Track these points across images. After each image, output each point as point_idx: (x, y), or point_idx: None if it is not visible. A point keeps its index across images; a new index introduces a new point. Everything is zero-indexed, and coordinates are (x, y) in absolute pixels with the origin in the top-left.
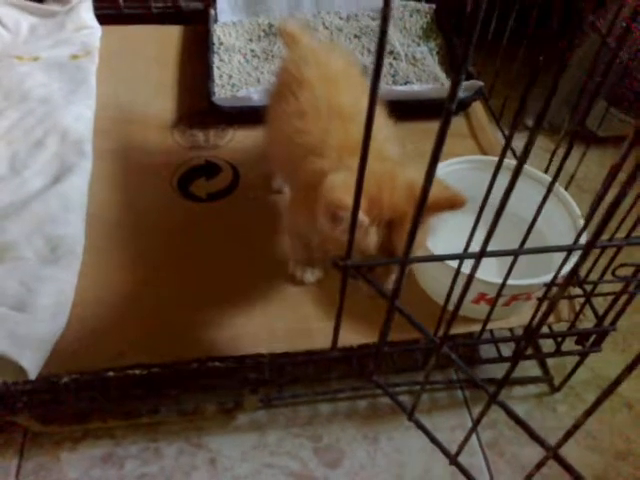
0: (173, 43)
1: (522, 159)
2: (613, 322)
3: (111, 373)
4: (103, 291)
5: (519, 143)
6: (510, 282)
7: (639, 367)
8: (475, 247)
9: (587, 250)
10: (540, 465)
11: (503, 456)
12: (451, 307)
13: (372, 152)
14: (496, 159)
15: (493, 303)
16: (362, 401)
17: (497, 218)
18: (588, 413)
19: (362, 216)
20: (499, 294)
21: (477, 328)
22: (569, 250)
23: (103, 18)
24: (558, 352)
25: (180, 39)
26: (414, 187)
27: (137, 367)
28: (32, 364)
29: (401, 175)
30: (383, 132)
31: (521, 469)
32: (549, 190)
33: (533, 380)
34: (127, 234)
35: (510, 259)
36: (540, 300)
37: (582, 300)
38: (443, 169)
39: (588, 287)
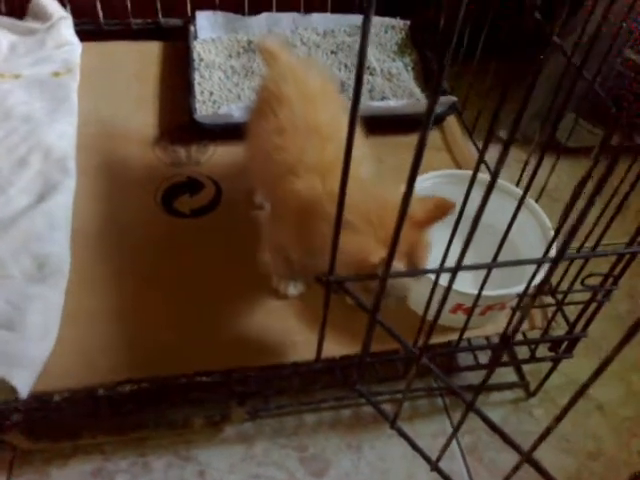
0: (153, 59)
1: (494, 176)
2: (584, 329)
3: (102, 391)
4: (90, 308)
5: (494, 154)
6: (485, 293)
7: (609, 370)
8: (452, 258)
9: (555, 263)
10: (515, 469)
11: (482, 461)
12: (430, 317)
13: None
14: (467, 173)
15: (469, 313)
16: (346, 410)
17: (471, 233)
18: (558, 418)
19: (398, 264)
20: (474, 305)
21: (455, 337)
22: (539, 263)
23: (82, 34)
24: (532, 359)
25: (160, 55)
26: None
27: (127, 383)
28: (23, 383)
29: (391, 203)
30: (360, 150)
31: (499, 473)
32: (520, 203)
33: (510, 386)
34: (112, 250)
35: (485, 270)
36: (514, 309)
37: (554, 308)
38: (420, 183)
39: (560, 296)
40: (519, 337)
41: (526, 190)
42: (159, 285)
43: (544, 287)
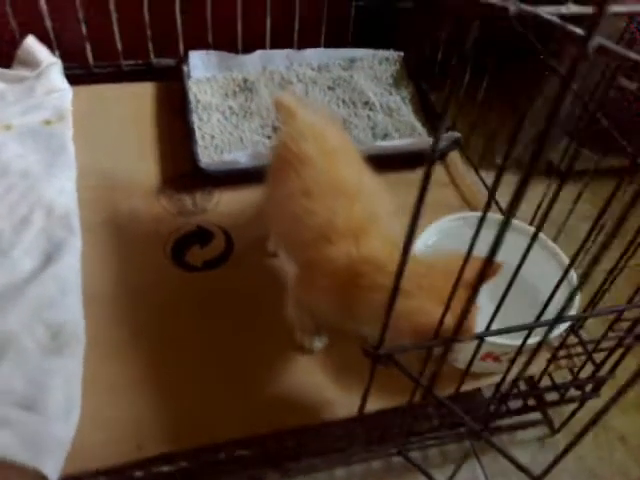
0: (147, 101)
1: (507, 216)
2: (611, 370)
3: (139, 473)
4: (108, 376)
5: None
6: (507, 342)
7: (629, 402)
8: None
9: (582, 320)
10: None
11: None
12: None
13: (381, 234)
14: (491, 215)
15: (498, 360)
16: (376, 462)
17: (506, 292)
18: (572, 443)
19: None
20: (518, 352)
21: (485, 383)
22: (572, 320)
23: (72, 78)
24: (561, 401)
25: (154, 96)
26: (455, 270)
27: (163, 462)
28: (53, 469)
29: (438, 266)
30: (387, 208)
31: None
32: (532, 241)
33: (533, 424)
34: (126, 313)
35: (510, 318)
36: (549, 359)
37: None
38: (440, 226)
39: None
40: (547, 380)
41: (539, 227)
42: (178, 347)
43: (566, 341)
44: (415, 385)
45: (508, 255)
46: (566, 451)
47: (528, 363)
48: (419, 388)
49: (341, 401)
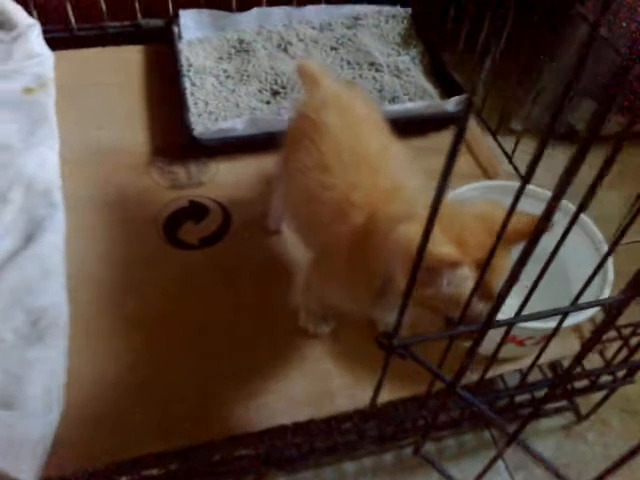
0: (135, 66)
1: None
2: None
3: (124, 478)
4: (96, 367)
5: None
6: (543, 326)
7: None
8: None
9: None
10: None
11: None
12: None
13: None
14: (509, 183)
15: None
16: (387, 455)
17: (541, 274)
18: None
19: (467, 271)
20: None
21: (508, 368)
22: (607, 304)
23: (53, 42)
24: (593, 388)
25: (142, 61)
26: (489, 220)
27: (153, 464)
28: (29, 474)
29: (471, 211)
30: (414, 181)
31: None
32: (572, 222)
33: (558, 410)
34: (115, 296)
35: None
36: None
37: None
38: (459, 196)
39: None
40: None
41: (581, 207)
42: (172, 334)
43: (608, 328)
44: (434, 378)
45: None
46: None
47: (543, 348)
48: (439, 382)
49: (350, 391)
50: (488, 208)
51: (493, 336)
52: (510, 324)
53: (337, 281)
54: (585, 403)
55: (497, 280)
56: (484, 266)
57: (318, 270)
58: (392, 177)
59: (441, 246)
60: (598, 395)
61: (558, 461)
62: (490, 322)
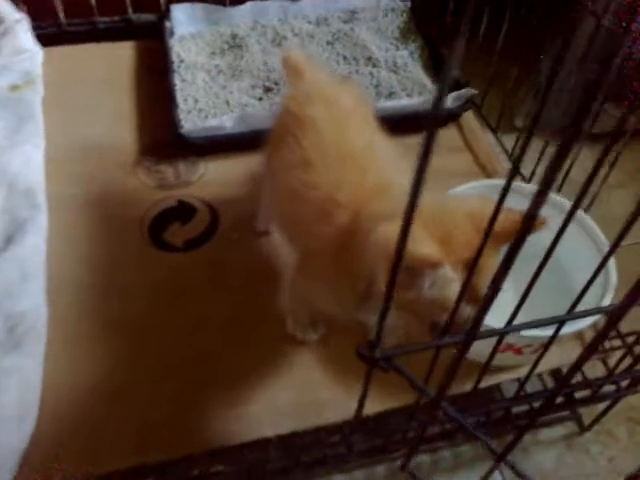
0: (126, 62)
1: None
2: None
3: None
4: (75, 375)
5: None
6: (542, 333)
7: None
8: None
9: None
10: None
11: None
12: (471, 355)
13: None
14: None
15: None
16: (379, 467)
17: (536, 276)
18: None
19: (450, 272)
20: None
21: (505, 377)
22: (601, 312)
23: (42, 38)
24: (594, 398)
25: (133, 57)
26: (477, 217)
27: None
28: None
29: (460, 208)
30: (404, 179)
31: None
32: (568, 218)
33: (560, 420)
34: (96, 300)
35: (535, 308)
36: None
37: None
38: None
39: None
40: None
41: (578, 200)
42: (155, 340)
43: (607, 334)
44: (434, 407)
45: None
46: None
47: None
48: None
49: (339, 402)
50: (478, 205)
51: (487, 343)
52: (502, 334)
53: (321, 283)
54: (589, 412)
55: (485, 282)
56: (471, 267)
57: (302, 272)
58: (379, 174)
59: (421, 246)
60: (603, 404)
61: (558, 474)
62: (474, 333)
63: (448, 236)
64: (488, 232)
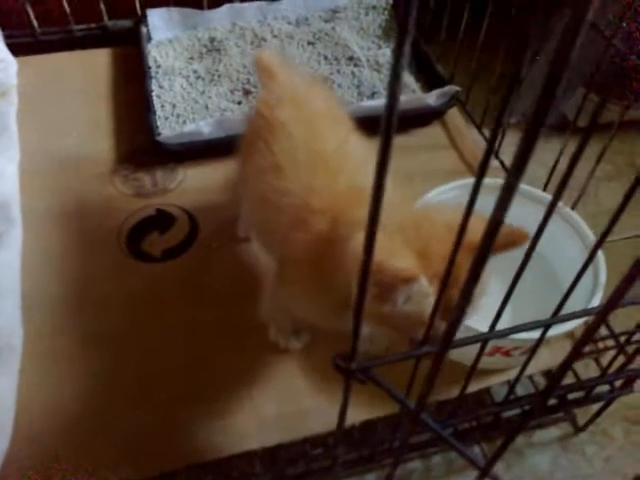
0: (102, 70)
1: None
2: None
3: None
4: (51, 393)
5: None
6: (528, 336)
7: None
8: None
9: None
10: None
11: None
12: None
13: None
14: (492, 181)
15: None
16: (369, 475)
17: (518, 275)
18: None
19: (426, 286)
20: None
21: (495, 380)
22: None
23: (16, 48)
24: (587, 399)
25: (110, 64)
26: (456, 228)
27: None
28: None
29: (440, 219)
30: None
31: None
32: (548, 214)
33: (555, 421)
34: (72, 314)
35: (524, 309)
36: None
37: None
38: (442, 194)
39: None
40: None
41: (557, 194)
42: (134, 355)
43: (587, 340)
44: (413, 419)
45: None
46: None
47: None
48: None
49: (322, 411)
50: (457, 215)
51: (476, 346)
52: (484, 340)
53: (300, 292)
54: (583, 412)
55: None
56: (444, 281)
57: (281, 280)
58: (354, 177)
59: (396, 259)
60: (598, 404)
61: (554, 477)
62: (446, 344)
63: (426, 248)
64: (458, 243)
